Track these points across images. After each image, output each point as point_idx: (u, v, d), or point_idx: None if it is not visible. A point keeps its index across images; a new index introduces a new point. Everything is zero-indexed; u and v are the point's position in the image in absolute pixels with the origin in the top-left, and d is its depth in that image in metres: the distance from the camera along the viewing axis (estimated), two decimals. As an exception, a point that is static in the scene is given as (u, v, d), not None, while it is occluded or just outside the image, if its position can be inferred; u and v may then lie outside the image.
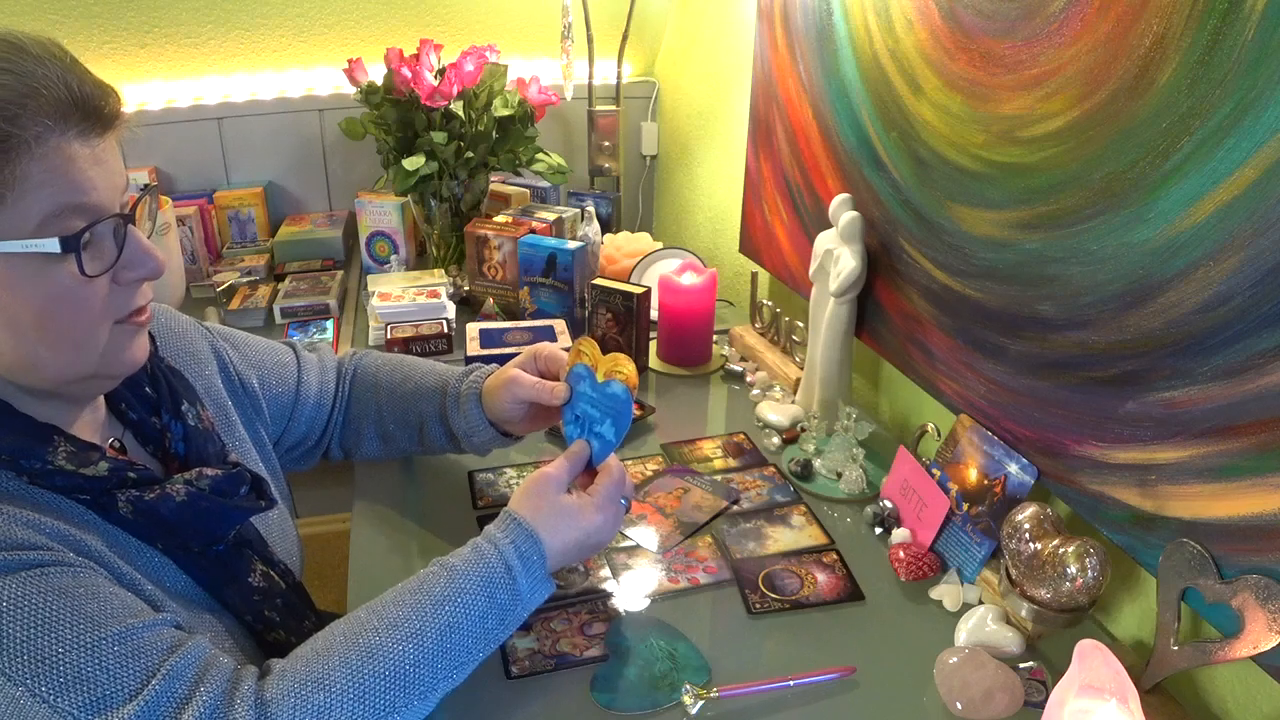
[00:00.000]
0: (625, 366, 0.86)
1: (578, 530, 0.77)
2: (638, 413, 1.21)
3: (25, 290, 0.61)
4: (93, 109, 0.61)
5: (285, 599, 0.79)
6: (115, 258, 0.64)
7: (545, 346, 0.95)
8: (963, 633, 0.83)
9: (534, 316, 1.51)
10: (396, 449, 1.04)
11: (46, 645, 0.56)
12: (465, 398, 0.96)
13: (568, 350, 0.92)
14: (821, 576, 0.91)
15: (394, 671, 0.65)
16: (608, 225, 1.91)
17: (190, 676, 0.60)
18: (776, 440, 1.17)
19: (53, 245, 0.60)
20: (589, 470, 0.84)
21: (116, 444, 0.74)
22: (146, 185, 0.72)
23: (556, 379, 0.93)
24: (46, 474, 0.64)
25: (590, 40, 1.90)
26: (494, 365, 0.99)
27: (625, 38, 1.92)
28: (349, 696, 0.63)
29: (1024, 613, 0.82)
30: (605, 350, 0.89)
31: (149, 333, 0.82)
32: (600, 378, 0.86)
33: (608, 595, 0.89)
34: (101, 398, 0.74)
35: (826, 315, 1.14)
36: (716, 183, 1.81)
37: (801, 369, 1.25)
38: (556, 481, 0.79)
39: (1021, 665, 0.78)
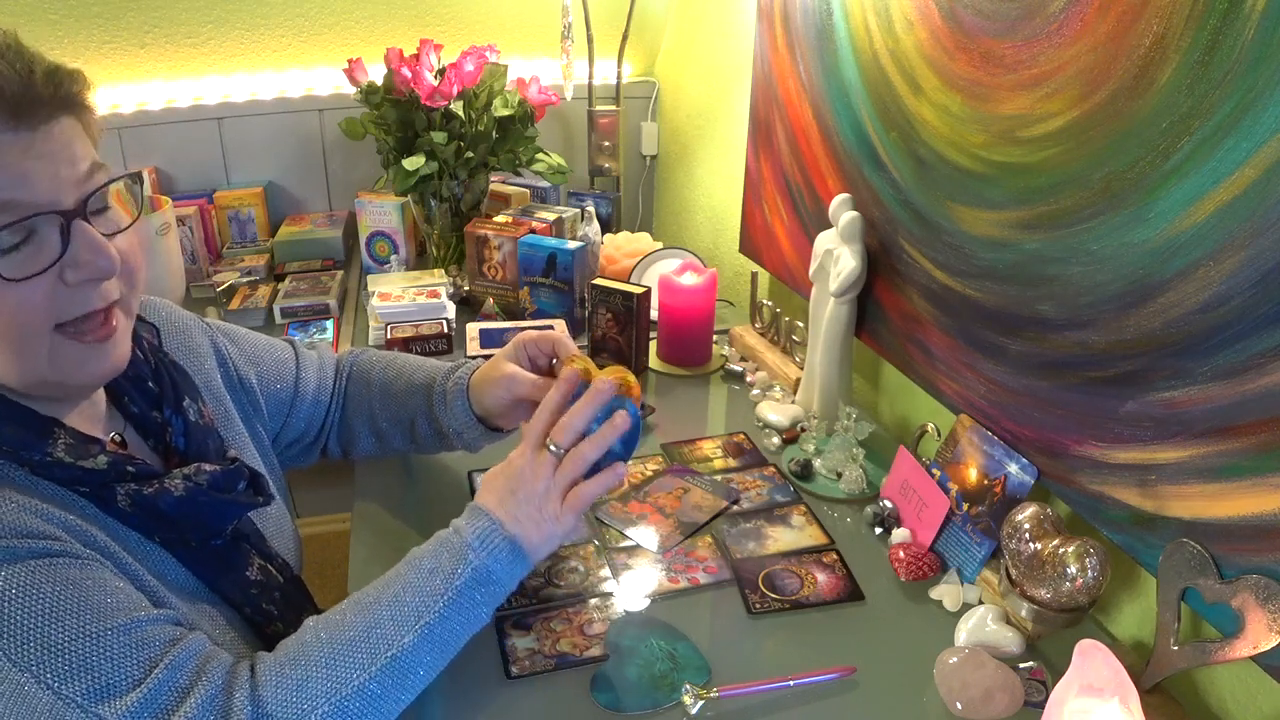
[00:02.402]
0: (626, 379, 0.83)
1: (499, 473, 0.77)
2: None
3: None
4: (21, 100, 0.57)
5: (283, 592, 0.80)
6: (57, 255, 0.60)
7: (530, 333, 0.93)
8: (963, 633, 0.83)
9: (534, 316, 1.51)
10: (391, 447, 1.04)
11: (53, 634, 0.57)
12: (451, 395, 0.95)
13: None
14: (821, 576, 0.91)
15: (358, 636, 0.67)
16: (608, 225, 1.91)
17: (192, 667, 0.62)
18: (776, 440, 1.17)
19: None
20: None
21: (118, 438, 0.74)
22: (134, 173, 0.67)
23: (549, 362, 0.92)
24: (46, 466, 0.64)
25: (590, 40, 1.90)
26: (479, 360, 0.98)
27: (625, 38, 1.92)
28: (321, 665, 0.65)
29: (1024, 613, 0.82)
30: (604, 351, 0.87)
31: (154, 325, 0.82)
32: None
33: (608, 595, 0.89)
34: (102, 390, 0.74)
35: (826, 315, 1.14)
36: (716, 183, 1.81)
37: (801, 369, 1.25)
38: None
39: (1021, 665, 0.78)
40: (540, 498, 0.75)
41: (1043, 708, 0.67)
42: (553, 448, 0.76)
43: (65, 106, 0.61)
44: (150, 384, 0.77)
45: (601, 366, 0.86)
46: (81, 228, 0.61)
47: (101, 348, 0.65)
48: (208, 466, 0.74)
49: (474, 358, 1.00)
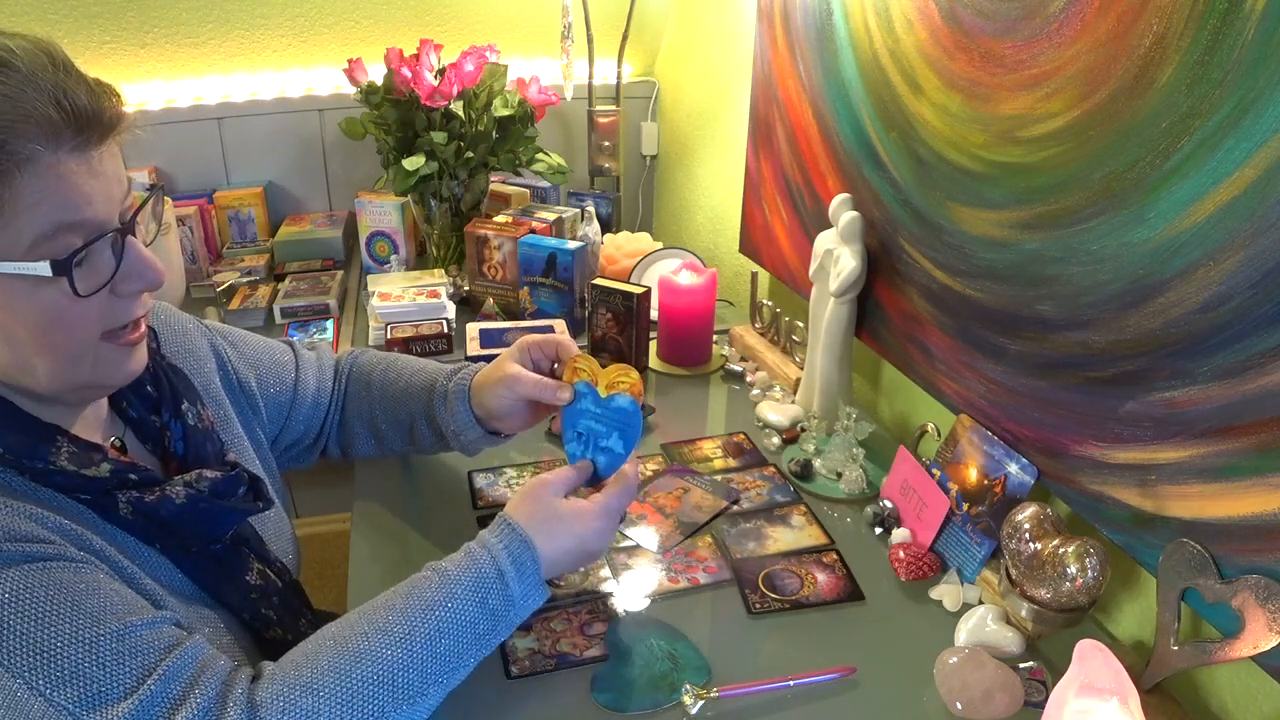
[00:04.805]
0: (629, 376, 0.84)
1: (572, 537, 0.76)
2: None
3: (19, 308, 0.60)
4: (87, 121, 0.59)
5: (282, 597, 0.80)
6: (113, 270, 0.63)
7: (535, 336, 0.93)
8: (963, 633, 0.83)
9: (534, 316, 1.51)
10: (390, 448, 1.04)
11: (45, 639, 0.57)
12: (453, 396, 0.95)
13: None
14: (821, 576, 0.91)
15: (382, 676, 0.64)
16: (608, 225, 1.91)
17: (186, 677, 0.60)
18: (776, 440, 1.17)
19: (44, 269, 0.59)
20: (597, 483, 0.83)
21: (118, 443, 0.74)
22: (152, 186, 0.71)
23: (552, 365, 0.92)
24: (48, 474, 0.64)
25: (590, 40, 1.90)
26: (481, 364, 0.98)
27: (625, 38, 1.92)
28: (337, 701, 0.62)
29: (1024, 613, 0.82)
30: (604, 351, 0.88)
31: (151, 329, 0.83)
32: (603, 392, 0.84)
33: (608, 595, 0.89)
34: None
35: (826, 315, 1.14)
36: (716, 183, 1.81)
37: (801, 369, 1.25)
38: (553, 487, 0.78)
39: (1021, 665, 0.78)
40: (599, 555, 0.81)
41: (1043, 708, 0.67)
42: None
43: (116, 126, 0.63)
44: (149, 388, 0.77)
45: (603, 365, 0.87)
46: (133, 244, 0.65)
47: (135, 349, 0.69)
48: (209, 473, 0.74)
49: (475, 359, 1.00)
